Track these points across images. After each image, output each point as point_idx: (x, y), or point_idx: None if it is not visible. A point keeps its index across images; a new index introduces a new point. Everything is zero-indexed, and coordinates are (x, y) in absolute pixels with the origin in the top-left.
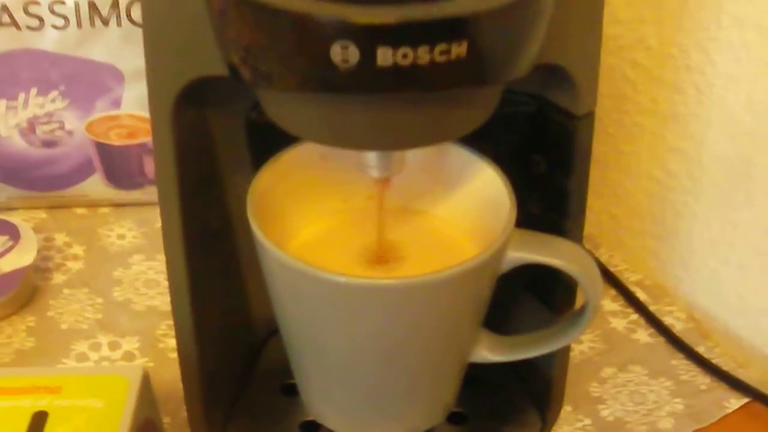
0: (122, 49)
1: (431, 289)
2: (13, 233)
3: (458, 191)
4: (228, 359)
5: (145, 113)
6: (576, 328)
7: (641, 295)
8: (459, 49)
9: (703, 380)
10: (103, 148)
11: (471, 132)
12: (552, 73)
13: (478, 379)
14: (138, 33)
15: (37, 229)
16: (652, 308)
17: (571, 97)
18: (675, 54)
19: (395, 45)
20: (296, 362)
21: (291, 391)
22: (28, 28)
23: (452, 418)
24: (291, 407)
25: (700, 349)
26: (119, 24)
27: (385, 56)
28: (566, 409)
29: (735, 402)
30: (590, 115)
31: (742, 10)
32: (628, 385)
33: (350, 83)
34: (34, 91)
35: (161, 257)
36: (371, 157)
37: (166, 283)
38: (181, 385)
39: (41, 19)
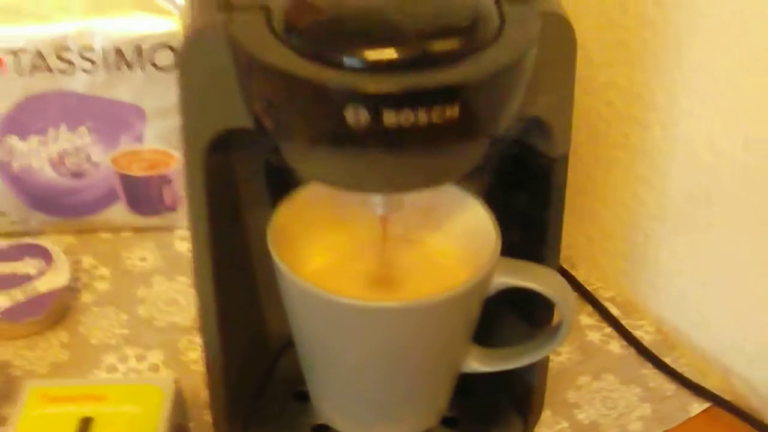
0: (145, 90)
1: (428, 310)
2: (47, 257)
3: (450, 224)
4: (248, 369)
5: (165, 147)
6: (553, 342)
7: (614, 311)
8: (452, 111)
9: (669, 387)
10: (126, 179)
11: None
12: (531, 123)
13: (467, 387)
14: (159, 76)
15: (66, 253)
16: (624, 322)
17: (547, 142)
18: (643, 94)
19: (398, 108)
20: (308, 372)
21: (303, 397)
22: (60, 71)
23: (445, 421)
24: (303, 412)
25: (667, 360)
26: (143, 68)
27: (390, 117)
28: (546, 413)
29: (697, 407)
30: (564, 157)
31: (701, 56)
32: (602, 391)
33: (361, 140)
34: (64, 127)
35: (180, 278)
36: (375, 197)
37: (185, 302)
38: (201, 392)
39: (72, 64)
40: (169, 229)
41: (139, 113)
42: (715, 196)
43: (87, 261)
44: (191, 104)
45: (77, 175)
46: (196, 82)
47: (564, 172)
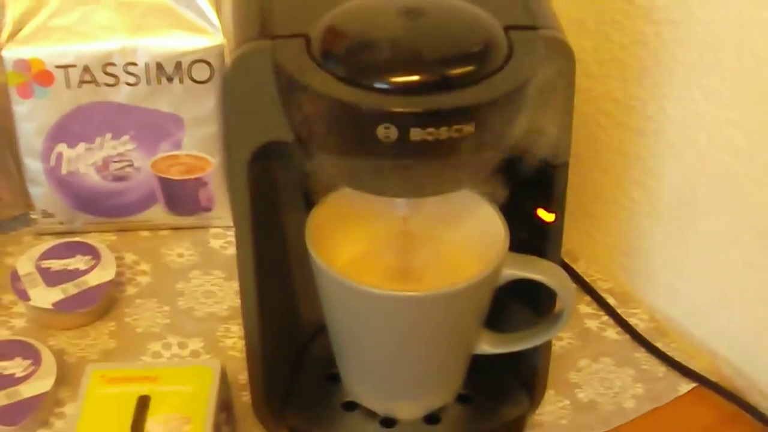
0: (183, 101)
1: (446, 299)
2: (95, 254)
3: (464, 223)
4: (283, 352)
5: (201, 153)
6: (555, 328)
7: (611, 301)
8: (468, 128)
9: (660, 369)
10: (165, 182)
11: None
12: (535, 135)
13: (480, 368)
14: (196, 88)
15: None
16: (619, 311)
17: (549, 152)
18: (637, 106)
19: (423, 126)
20: (339, 355)
21: (335, 378)
22: (106, 84)
23: (460, 398)
24: (334, 391)
25: (659, 345)
26: (181, 81)
27: (416, 134)
28: (549, 392)
29: (685, 386)
30: (565, 165)
31: (688, 73)
32: (600, 373)
33: (390, 153)
34: (108, 135)
35: (215, 272)
36: (399, 200)
37: (221, 294)
38: (239, 376)
39: (116, 77)
40: (204, 227)
41: (177, 122)
42: (699, 198)
43: (129, 257)
44: (236, 119)
45: (120, 179)
46: (240, 100)
47: (565, 178)
